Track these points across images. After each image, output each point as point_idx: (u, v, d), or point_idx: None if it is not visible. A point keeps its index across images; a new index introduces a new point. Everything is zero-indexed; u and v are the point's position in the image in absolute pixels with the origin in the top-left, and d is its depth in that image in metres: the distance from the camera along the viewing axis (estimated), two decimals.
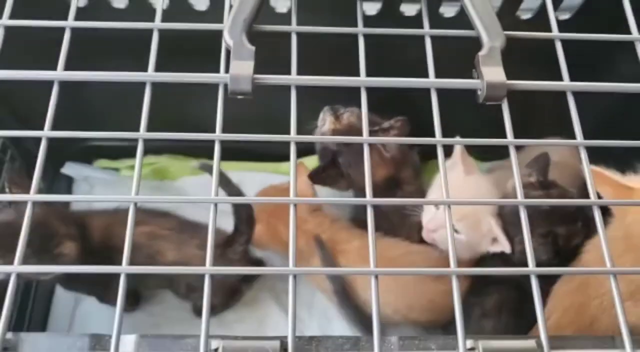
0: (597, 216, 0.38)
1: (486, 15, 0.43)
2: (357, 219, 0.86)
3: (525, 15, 0.75)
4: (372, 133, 0.81)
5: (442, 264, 0.36)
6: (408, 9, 0.72)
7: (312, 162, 0.92)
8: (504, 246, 0.69)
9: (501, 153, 0.75)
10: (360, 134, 0.41)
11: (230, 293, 0.88)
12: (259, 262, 0.87)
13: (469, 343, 0.33)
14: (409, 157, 0.86)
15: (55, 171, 0.96)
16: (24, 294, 0.86)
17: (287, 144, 0.41)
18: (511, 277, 0.41)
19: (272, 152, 0.96)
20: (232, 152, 0.88)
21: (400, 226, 0.81)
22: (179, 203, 0.81)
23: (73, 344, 0.36)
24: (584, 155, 0.40)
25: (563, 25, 0.74)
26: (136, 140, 0.40)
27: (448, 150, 0.79)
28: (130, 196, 0.38)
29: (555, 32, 0.45)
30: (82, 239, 0.71)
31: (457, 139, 0.41)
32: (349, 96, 0.43)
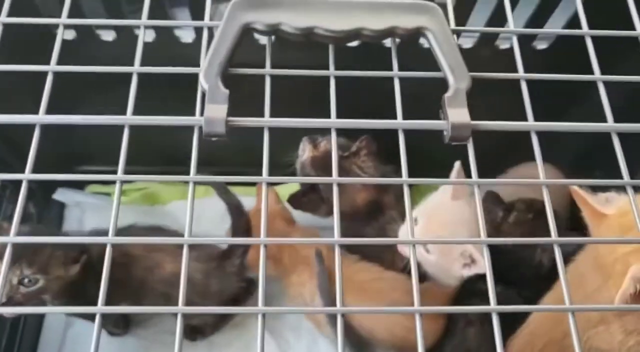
0: (557, 254, 0.39)
1: (452, 57, 0.45)
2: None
3: (504, 45, 0.76)
4: (344, 159, 0.84)
5: (411, 296, 0.37)
6: (388, 40, 0.73)
7: (285, 189, 0.95)
8: (480, 267, 0.69)
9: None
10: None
11: (220, 315, 0.89)
12: (251, 282, 0.88)
13: None
14: None
15: (47, 197, 0.98)
16: (15, 317, 0.86)
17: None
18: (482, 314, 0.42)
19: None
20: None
21: (385, 250, 0.82)
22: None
23: None
24: (546, 195, 0.41)
25: (544, 54, 0.75)
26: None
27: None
28: (107, 237, 0.40)
29: (520, 72, 0.46)
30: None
31: (423, 179, 0.42)
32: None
